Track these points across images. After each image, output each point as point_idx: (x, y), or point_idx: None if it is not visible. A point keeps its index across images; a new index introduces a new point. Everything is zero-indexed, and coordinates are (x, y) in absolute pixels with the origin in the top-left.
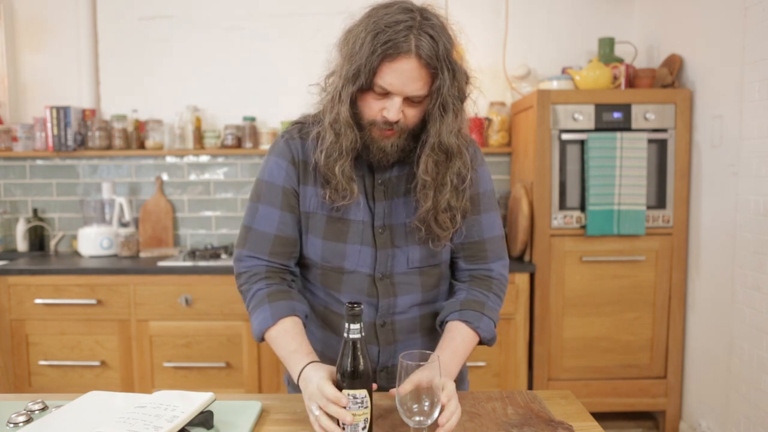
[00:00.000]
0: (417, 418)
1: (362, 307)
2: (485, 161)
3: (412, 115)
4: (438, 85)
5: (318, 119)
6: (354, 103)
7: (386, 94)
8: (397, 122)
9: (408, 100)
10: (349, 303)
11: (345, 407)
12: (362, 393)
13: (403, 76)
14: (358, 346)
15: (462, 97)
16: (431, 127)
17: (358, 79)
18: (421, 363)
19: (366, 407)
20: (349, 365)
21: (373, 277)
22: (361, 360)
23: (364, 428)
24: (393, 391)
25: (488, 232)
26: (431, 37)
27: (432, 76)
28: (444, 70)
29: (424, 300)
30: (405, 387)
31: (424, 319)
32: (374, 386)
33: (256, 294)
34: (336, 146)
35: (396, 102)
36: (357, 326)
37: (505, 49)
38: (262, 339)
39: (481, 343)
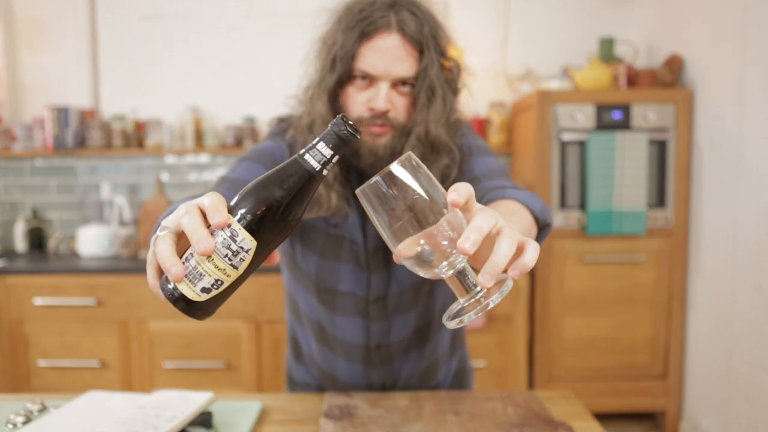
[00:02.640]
0: (444, 263)
1: (357, 135)
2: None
3: (402, 105)
4: (425, 65)
5: (298, 125)
6: (335, 101)
7: (371, 81)
8: (387, 114)
9: (396, 88)
10: (344, 118)
11: (212, 234)
12: (249, 242)
13: (387, 55)
14: (308, 184)
15: (452, 85)
16: (417, 115)
17: (336, 68)
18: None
19: (235, 268)
20: (266, 191)
21: (367, 299)
22: (293, 201)
23: (206, 290)
24: (396, 257)
25: (481, 168)
26: (413, 13)
27: (418, 56)
28: (431, 48)
29: (418, 317)
30: (407, 247)
31: (419, 333)
32: (274, 257)
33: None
34: None
35: (383, 88)
36: (328, 151)
37: (505, 49)
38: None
39: (538, 225)
